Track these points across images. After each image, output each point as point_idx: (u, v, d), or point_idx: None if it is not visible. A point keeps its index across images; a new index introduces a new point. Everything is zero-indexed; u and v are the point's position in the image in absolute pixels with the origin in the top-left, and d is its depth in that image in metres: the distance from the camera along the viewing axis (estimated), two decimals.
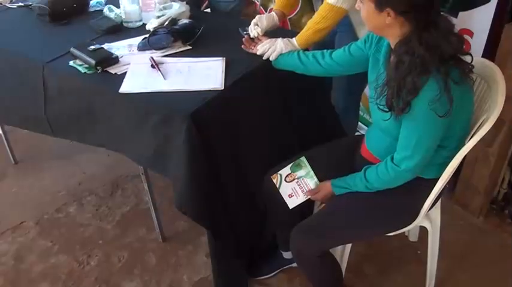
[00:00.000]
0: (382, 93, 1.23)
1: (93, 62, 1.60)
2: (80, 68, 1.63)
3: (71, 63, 1.66)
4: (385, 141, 1.38)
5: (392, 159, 1.31)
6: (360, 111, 2.49)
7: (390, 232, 1.48)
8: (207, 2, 2.34)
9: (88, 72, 1.61)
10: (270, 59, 1.60)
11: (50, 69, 1.66)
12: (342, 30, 1.77)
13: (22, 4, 2.10)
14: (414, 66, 1.13)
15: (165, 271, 1.89)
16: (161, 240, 2.01)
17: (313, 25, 1.57)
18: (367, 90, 2.33)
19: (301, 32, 1.61)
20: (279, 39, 1.60)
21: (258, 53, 1.61)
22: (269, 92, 1.67)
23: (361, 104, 2.44)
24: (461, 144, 1.31)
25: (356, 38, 1.59)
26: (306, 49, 1.63)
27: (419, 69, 1.13)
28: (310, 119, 1.84)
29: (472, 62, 1.20)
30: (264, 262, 1.82)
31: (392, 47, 1.23)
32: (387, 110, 1.23)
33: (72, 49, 1.68)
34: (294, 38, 1.61)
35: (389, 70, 1.22)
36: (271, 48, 1.59)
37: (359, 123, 2.56)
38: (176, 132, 1.41)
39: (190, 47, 1.73)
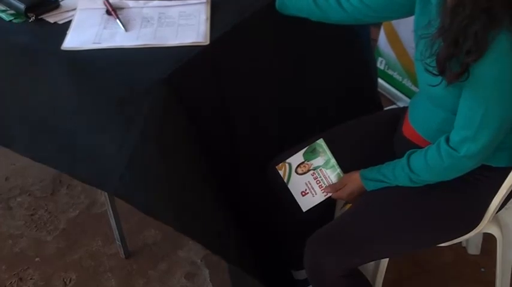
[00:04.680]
0: (433, 48, 1.22)
1: (22, 6, 1.58)
2: (2, 15, 1.61)
3: None
4: (437, 115, 1.38)
5: (447, 141, 1.31)
6: (399, 76, 2.51)
7: (442, 242, 1.49)
8: None
9: (15, 21, 1.60)
10: None
11: None
12: None
13: None
14: (478, 13, 1.12)
15: None
16: (124, 256, 2.02)
17: None
18: (408, 47, 2.33)
19: None
20: None
21: None
22: (274, 48, 1.67)
23: (401, 67, 2.44)
24: None
25: None
26: None
27: (485, 18, 1.12)
28: (335, 86, 1.85)
29: None
30: (267, 285, 1.83)
31: None
32: (437, 73, 1.23)
33: None
34: None
35: (444, 15, 1.20)
36: None
37: (397, 92, 2.57)
38: (147, 108, 1.39)
39: None
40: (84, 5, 1.64)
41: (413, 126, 1.47)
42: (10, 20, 1.60)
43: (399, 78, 2.52)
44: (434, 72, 1.23)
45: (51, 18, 1.60)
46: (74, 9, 1.62)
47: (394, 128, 1.56)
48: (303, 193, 1.56)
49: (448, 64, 1.19)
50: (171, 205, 1.49)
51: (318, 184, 1.56)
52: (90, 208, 2.21)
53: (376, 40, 2.57)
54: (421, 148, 1.39)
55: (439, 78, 1.23)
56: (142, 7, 1.63)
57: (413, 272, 1.92)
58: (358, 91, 1.97)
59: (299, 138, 1.63)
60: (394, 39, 2.44)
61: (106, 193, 1.84)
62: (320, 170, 1.57)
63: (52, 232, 2.13)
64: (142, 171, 1.46)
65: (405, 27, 2.21)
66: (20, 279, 1.97)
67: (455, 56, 1.17)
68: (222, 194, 1.58)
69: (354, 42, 1.91)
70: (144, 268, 1.99)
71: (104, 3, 1.61)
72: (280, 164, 1.59)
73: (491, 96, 1.20)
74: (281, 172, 1.58)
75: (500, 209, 1.47)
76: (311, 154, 1.58)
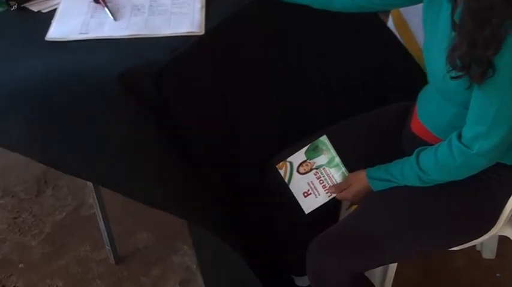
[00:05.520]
0: (454, 50, 1.20)
1: None
2: None
3: None
4: (448, 110, 1.38)
5: (459, 137, 1.31)
6: None
7: (454, 246, 1.49)
8: None
9: None
10: None
11: None
12: None
13: None
14: (490, 2, 1.11)
15: None
16: (114, 261, 2.02)
17: None
18: (418, 36, 2.33)
19: None
20: None
21: None
22: (272, 36, 1.67)
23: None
24: None
25: None
26: None
27: (500, 6, 1.11)
28: (340, 76, 1.85)
29: None
30: None
31: None
32: (461, 73, 1.20)
33: None
34: None
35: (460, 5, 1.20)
36: None
37: None
38: (137, 101, 1.39)
39: None
40: None
41: (422, 122, 1.47)
42: None
43: None
44: (458, 74, 1.21)
45: (35, 6, 1.60)
46: None
47: (402, 124, 1.56)
48: (305, 194, 1.56)
49: (472, 62, 1.17)
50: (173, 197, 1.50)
51: (321, 184, 1.56)
52: (78, 210, 2.21)
53: None
54: (430, 144, 1.39)
55: (466, 81, 1.21)
56: None
57: (423, 277, 1.92)
58: (365, 81, 1.96)
59: (301, 134, 1.63)
60: (402, 27, 2.43)
61: (95, 194, 1.83)
62: (323, 169, 1.56)
63: (37, 236, 2.13)
64: (136, 162, 1.47)
65: (415, 14, 2.20)
66: (3, 286, 1.97)
67: (474, 51, 1.15)
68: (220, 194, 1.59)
69: (359, 30, 1.91)
70: (135, 274, 1.98)
71: None
72: (280, 163, 1.59)
73: (505, 91, 1.20)
74: (282, 172, 1.58)
75: None
76: (313, 152, 1.58)
